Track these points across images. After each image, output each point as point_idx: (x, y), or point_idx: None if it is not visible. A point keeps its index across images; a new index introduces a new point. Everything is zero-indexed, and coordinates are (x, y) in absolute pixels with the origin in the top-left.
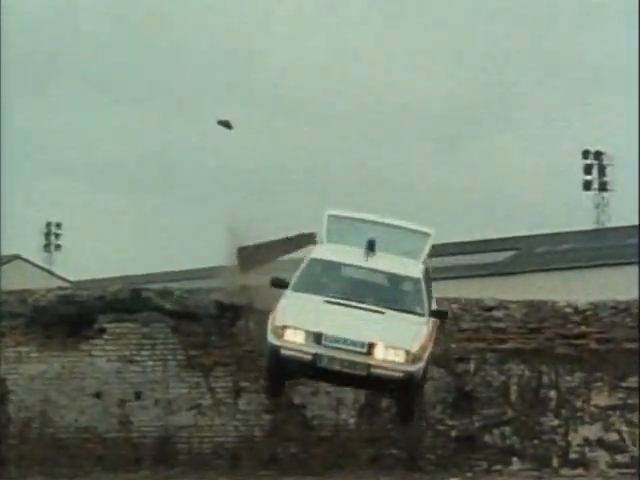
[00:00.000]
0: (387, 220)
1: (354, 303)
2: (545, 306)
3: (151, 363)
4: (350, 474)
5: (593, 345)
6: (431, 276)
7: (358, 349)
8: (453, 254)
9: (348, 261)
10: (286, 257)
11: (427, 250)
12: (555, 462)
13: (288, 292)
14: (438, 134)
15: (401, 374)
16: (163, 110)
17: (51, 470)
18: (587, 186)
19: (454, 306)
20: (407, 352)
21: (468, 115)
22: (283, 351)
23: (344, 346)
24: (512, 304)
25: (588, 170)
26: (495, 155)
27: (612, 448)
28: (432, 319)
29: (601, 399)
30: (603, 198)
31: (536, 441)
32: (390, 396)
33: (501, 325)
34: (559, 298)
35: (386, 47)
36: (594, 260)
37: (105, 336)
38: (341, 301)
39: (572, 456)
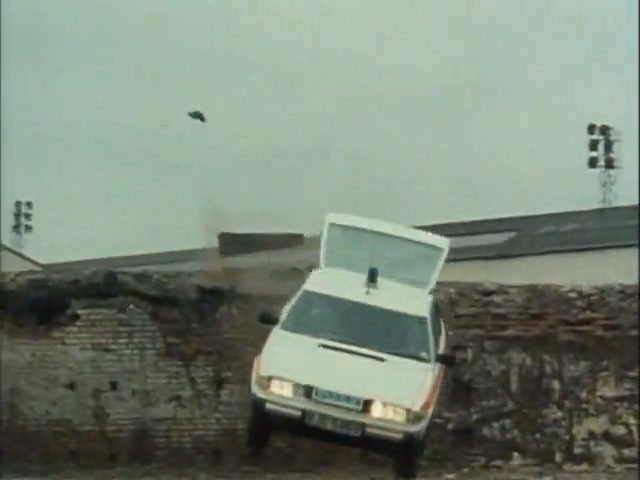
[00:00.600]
0: (394, 231)
1: (352, 348)
2: (548, 290)
3: (128, 352)
4: (340, 470)
5: (599, 332)
6: (439, 309)
7: (353, 406)
8: (450, 236)
9: (346, 296)
10: (270, 256)
11: (438, 271)
12: (558, 457)
13: (277, 331)
14: (434, 109)
15: (400, 435)
16: (150, 84)
17: (21, 466)
18: (593, 163)
19: (451, 291)
20: (408, 411)
21: (466, 89)
22: (268, 405)
23: (337, 402)
24: (513, 288)
25: (594, 146)
26: (495, 131)
27: (619, 442)
28: (439, 364)
29: (607, 390)
30: (609, 176)
31: (538, 435)
32: (389, 455)
33: (501, 311)
34: (562, 282)
35: (382, 18)
36: (600, 241)
37: (79, 323)
38: (337, 345)
39: (576, 450)
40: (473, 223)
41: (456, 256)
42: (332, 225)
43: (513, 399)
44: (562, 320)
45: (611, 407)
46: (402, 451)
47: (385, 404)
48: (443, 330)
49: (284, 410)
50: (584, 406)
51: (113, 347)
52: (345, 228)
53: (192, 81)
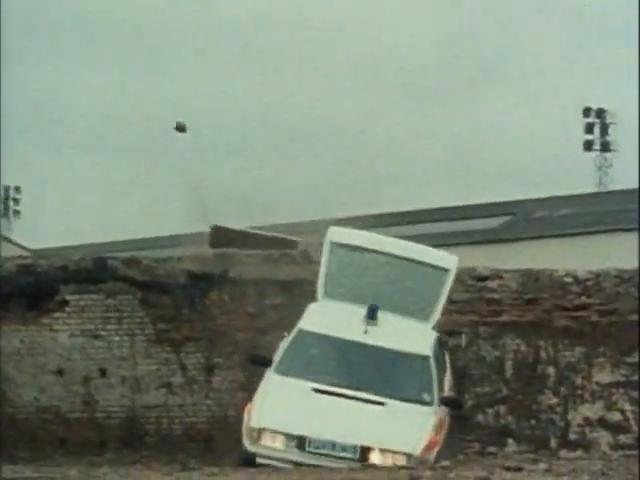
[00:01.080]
0: (399, 249)
1: (348, 392)
2: (543, 275)
3: (117, 338)
4: None
5: (595, 317)
6: (443, 344)
7: (349, 455)
8: (442, 220)
9: (344, 335)
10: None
11: (444, 298)
12: (553, 443)
13: (270, 376)
14: (424, 89)
15: None
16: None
17: (9, 453)
18: (588, 146)
19: None
20: (409, 456)
21: (462, 72)
22: (259, 459)
23: (332, 452)
24: (507, 273)
25: (589, 129)
26: (488, 112)
27: (614, 428)
28: (443, 407)
29: (603, 376)
30: (605, 159)
31: (533, 421)
32: None
33: (495, 296)
34: (558, 267)
35: None
36: (596, 226)
37: (67, 309)
38: (332, 389)
39: (571, 437)
40: (467, 207)
41: (450, 241)
42: (334, 244)
43: (508, 385)
44: (557, 305)
45: (607, 393)
46: None
47: (384, 451)
48: (448, 367)
49: (277, 465)
50: (579, 392)
51: (102, 333)
52: (347, 248)
53: (183, 64)
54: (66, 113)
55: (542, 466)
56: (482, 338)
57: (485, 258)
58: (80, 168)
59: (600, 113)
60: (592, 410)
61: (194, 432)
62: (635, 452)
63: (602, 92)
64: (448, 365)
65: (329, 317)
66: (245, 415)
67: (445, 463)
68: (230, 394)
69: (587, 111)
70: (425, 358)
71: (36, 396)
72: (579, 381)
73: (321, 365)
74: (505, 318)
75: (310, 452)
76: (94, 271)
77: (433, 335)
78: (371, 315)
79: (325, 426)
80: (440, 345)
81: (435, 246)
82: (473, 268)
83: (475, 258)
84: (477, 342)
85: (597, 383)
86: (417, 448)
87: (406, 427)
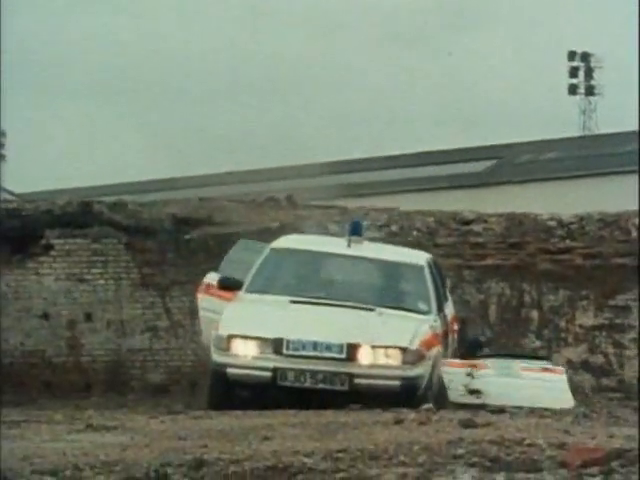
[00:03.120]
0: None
1: (331, 301)
2: (527, 219)
3: (102, 282)
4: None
5: (579, 261)
6: (443, 274)
7: (335, 355)
8: (427, 164)
9: (323, 249)
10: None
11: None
12: None
13: (240, 295)
14: (409, 33)
15: (397, 383)
16: (136, 10)
17: None
18: (573, 90)
19: (429, 220)
20: (404, 350)
21: (449, 18)
22: (230, 370)
23: (314, 353)
24: (492, 217)
25: (574, 73)
26: (472, 56)
27: (597, 371)
28: (445, 317)
29: (586, 319)
30: (590, 103)
31: None
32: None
33: (480, 240)
34: (542, 211)
35: None
36: (580, 170)
37: (53, 253)
38: (313, 300)
39: None
40: (452, 151)
41: (435, 185)
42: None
43: (492, 329)
44: (541, 249)
45: (590, 336)
46: (403, 403)
47: (374, 347)
48: (450, 298)
49: (250, 373)
50: (563, 335)
51: (88, 277)
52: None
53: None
54: (52, 57)
55: (525, 408)
56: (466, 282)
57: (470, 202)
58: (66, 112)
59: (585, 57)
60: (575, 353)
61: (179, 376)
62: (617, 395)
63: (587, 36)
64: (449, 296)
65: (304, 239)
66: (212, 332)
67: (428, 405)
68: None
69: (572, 55)
70: (418, 267)
71: (21, 340)
72: (562, 324)
73: (299, 280)
74: (489, 262)
75: (289, 355)
76: (79, 215)
77: (427, 255)
78: (355, 231)
79: (305, 327)
80: (436, 266)
81: (420, 190)
82: (458, 212)
83: (459, 202)
84: (461, 286)
85: (580, 326)
86: (414, 342)
87: (400, 325)
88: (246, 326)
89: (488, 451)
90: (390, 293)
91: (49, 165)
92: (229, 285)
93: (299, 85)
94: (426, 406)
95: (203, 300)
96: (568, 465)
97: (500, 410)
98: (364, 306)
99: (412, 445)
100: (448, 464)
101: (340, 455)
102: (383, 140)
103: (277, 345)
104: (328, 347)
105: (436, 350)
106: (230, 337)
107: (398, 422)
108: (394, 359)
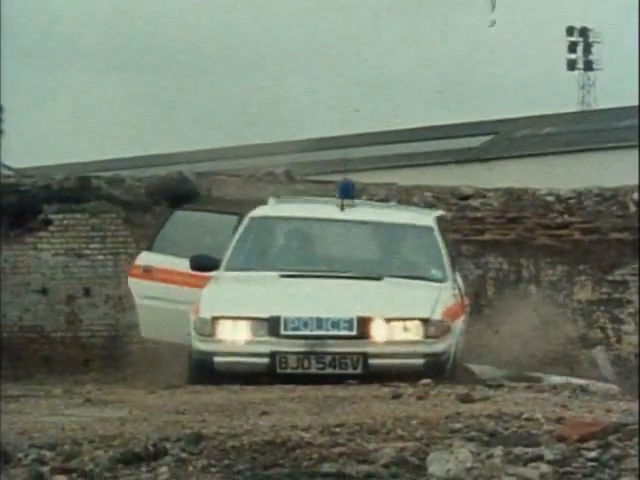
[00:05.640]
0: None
1: (329, 273)
2: (525, 194)
3: (101, 257)
4: None
5: (577, 236)
6: (446, 228)
7: (344, 332)
8: (425, 139)
9: (313, 214)
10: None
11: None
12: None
13: (219, 275)
14: (404, 6)
15: (420, 361)
16: None
17: None
18: (571, 65)
19: (427, 195)
20: (426, 322)
21: None
22: (218, 359)
23: (318, 331)
24: (490, 192)
25: (572, 48)
26: (470, 29)
27: (595, 346)
28: (460, 288)
29: (584, 293)
30: (589, 78)
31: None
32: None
33: (478, 215)
34: (540, 186)
35: None
36: (579, 145)
37: (51, 228)
38: (307, 273)
39: (553, 355)
40: (450, 126)
41: (433, 160)
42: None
43: (490, 304)
44: (540, 224)
45: (588, 311)
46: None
47: (390, 319)
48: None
49: (243, 361)
50: (561, 310)
51: (86, 252)
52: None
53: None
54: (52, 30)
55: (523, 383)
56: (464, 256)
57: (468, 177)
58: (64, 86)
59: (584, 32)
60: (573, 328)
61: (177, 350)
62: (615, 369)
63: (585, 10)
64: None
65: (288, 206)
66: (191, 315)
67: (426, 380)
68: None
69: (570, 30)
70: (427, 229)
71: (20, 315)
72: (561, 299)
73: (288, 252)
74: (487, 237)
75: (287, 336)
76: (78, 190)
77: (434, 212)
78: (346, 192)
79: (304, 303)
80: (444, 226)
81: (418, 165)
82: (456, 187)
83: (458, 177)
84: (459, 260)
85: (578, 301)
86: (436, 311)
87: (418, 293)
88: (234, 306)
89: (486, 425)
90: (396, 261)
91: (47, 140)
92: (204, 265)
93: (297, 59)
94: (424, 381)
95: (140, 286)
96: (566, 439)
97: (498, 385)
98: (369, 275)
99: (410, 419)
100: (446, 438)
101: (338, 429)
102: (379, 115)
103: (273, 325)
104: (335, 323)
105: (461, 322)
106: (215, 320)
107: (396, 396)
108: (414, 333)
